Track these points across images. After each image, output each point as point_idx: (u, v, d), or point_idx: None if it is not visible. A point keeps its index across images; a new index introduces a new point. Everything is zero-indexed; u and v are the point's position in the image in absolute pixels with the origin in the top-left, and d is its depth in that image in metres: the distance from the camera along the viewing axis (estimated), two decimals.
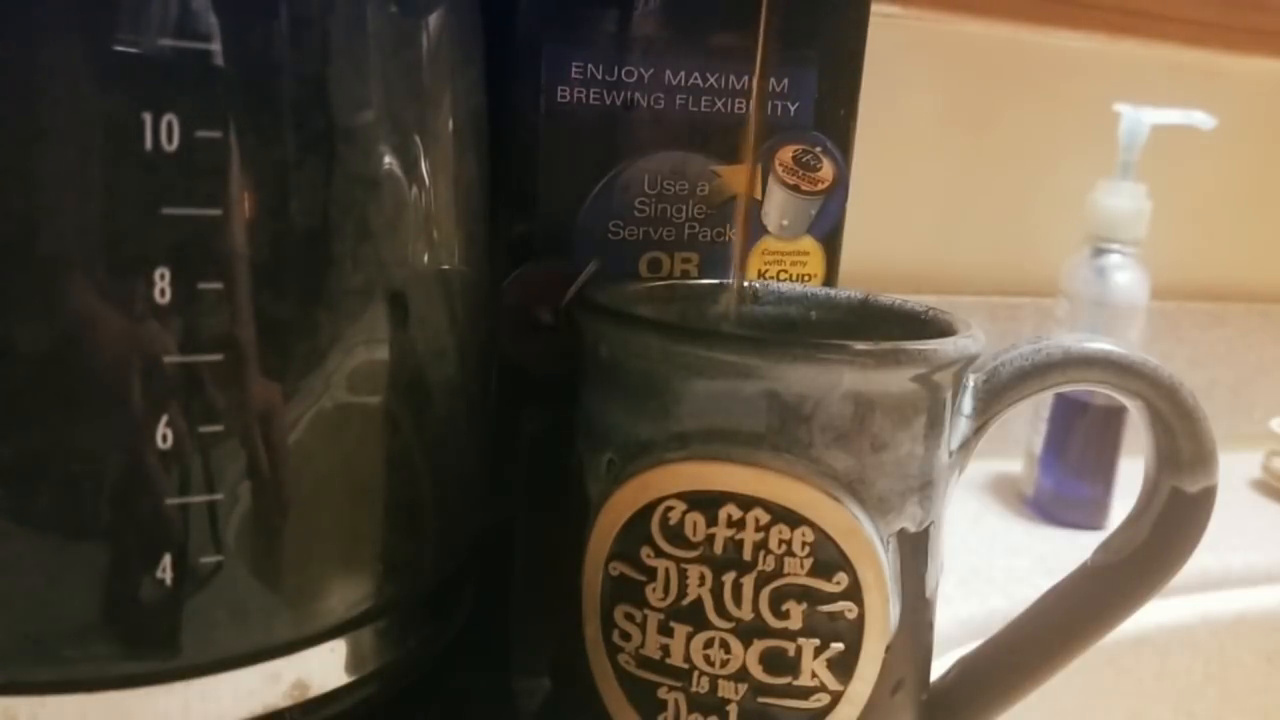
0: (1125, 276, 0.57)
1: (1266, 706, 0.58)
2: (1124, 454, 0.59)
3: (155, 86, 0.16)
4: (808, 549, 0.23)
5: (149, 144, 0.16)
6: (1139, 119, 0.57)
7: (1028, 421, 0.63)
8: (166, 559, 0.18)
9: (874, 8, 0.61)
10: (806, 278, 0.33)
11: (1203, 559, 0.57)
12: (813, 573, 0.23)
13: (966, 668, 0.28)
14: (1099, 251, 0.58)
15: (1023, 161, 0.66)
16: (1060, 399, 0.60)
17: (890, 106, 0.63)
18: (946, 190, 0.66)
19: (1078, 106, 0.64)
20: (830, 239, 0.33)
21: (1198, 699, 0.56)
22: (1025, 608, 0.28)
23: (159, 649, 0.19)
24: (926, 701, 0.27)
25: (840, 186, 0.32)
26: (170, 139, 0.16)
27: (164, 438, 0.17)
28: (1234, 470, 0.72)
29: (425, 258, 0.22)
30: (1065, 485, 0.60)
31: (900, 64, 0.62)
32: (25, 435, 0.17)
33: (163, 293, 0.17)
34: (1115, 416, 0.58)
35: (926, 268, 0.67)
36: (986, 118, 0.65)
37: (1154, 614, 0.54)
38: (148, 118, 0.16)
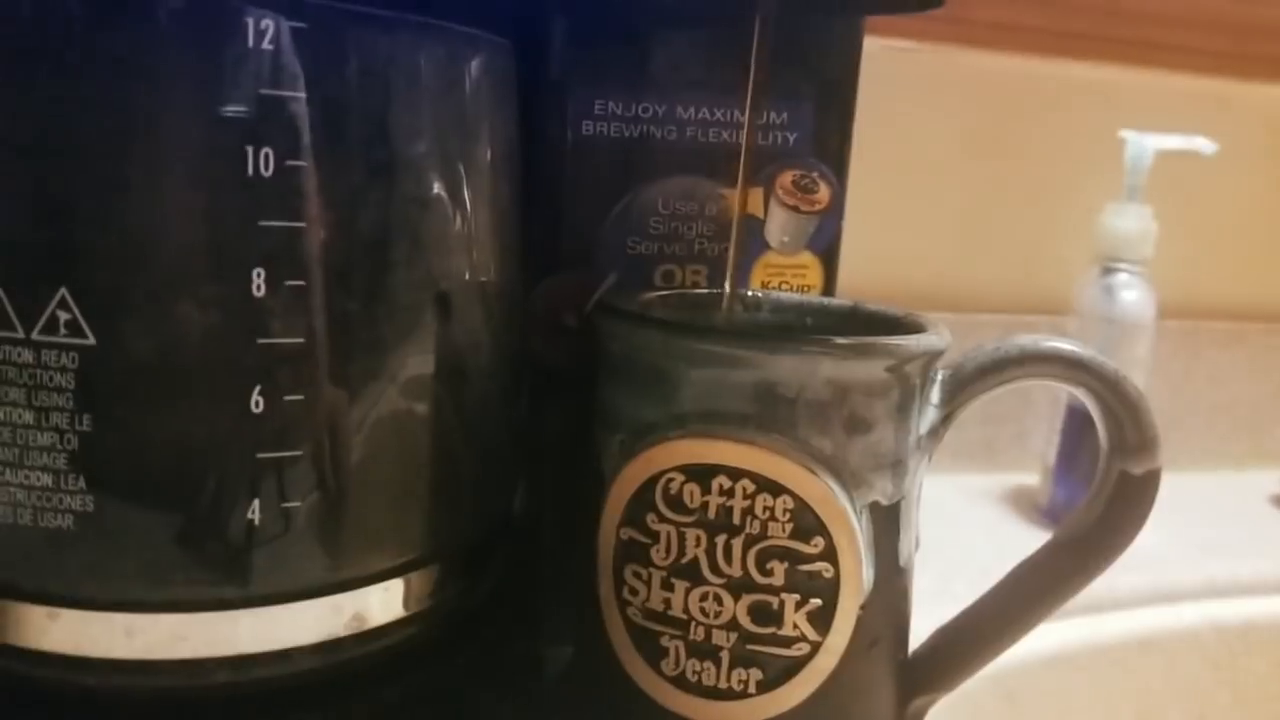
0: (1132, 295, 0.61)
1: None
2: None
3: (254, 126, 0.21)
4: (788, 515, 0.26)
5: (250, 171, 0.21)
6: (1143, 145, 0.60)
7: (1044, 436, 0.66)
8: (256, 503, 0.22)
9: (892, 42, 0.66)
10: (806, 288, 0.37)
11: (1209, 567, 0.60)
12: (793, 536, 0.27)
13: (944, 634, 0.32)
14: (1107, 271, 0.61)
15: (1037, 185, 0.70)
16: (1071, 414, 0.63)
17: (909, 134, 0.66)
18: (964, 213, 0.69)
19: (1088, 133, 0.67)
20: (828, 254, 0.37)
21: (1209, 703, 0.58)
22: (995, 584, 0.32)
23: (246, 578, 0.23)
24: (905, 662, 0.31)
25: (836, 207, 0.36)
26: (266, 167, 0.21)
27: (256, 404, 0.22)
28: (1254, 486, 0.74)
29: (466, 266, 0.26)
30: (1076, 495, 0.62)
31: (918, 94, 0.66)
32: (149, 401, 0.22)
33: (259, 288, 0.21)
34: None
35: (945, 287, 0.70)
36: (1001, 144, 0.69)
37: (1160, 618, 0.57)
38: (249, 150, 0.21)
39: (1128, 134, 0.61)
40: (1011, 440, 0.72)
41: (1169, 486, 0.76)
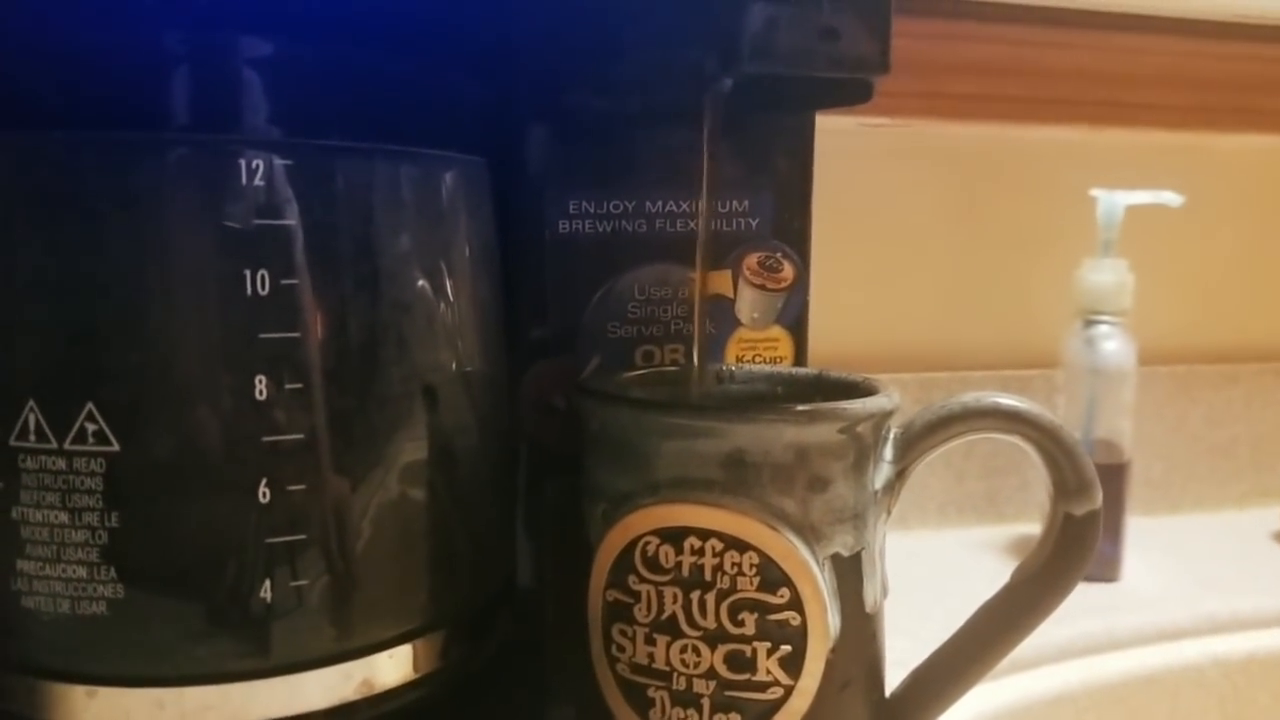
0: (1113, 345, 0.63)
1: None
2: (1133, 512, 0.64)
3: (252, 251, 0.24)
4: (755, 569, 0.29)
5: (249, 291, 0.24)
6: (1113, 201, 0.63)
7: (1042, 488, 0.67)
8: (267, 583, 0.25)
9: (869, 119, 0.69)
10: (778, 360, 0.39)
11: (1210, 604, 0.61)
12: (760, 588, 0.29)
13: (916, 675, 0.34)
14: (1089, 323, 0.64)
15: (1018, 246, 0.72)
16: None
17: (890, 206, 0.69)
18: (951, 277, 0.72)
19: (1062, 193, 0.70)
20: (796, 326, 0.39)
21: None
22: (961, 624, 0.34)
23: (262, 651, 0.26)
24: (882, 702, 0.33)
25: (800, 283, 0.39)
26: (263, 286, 0.24)
27: (264, 494, 0.25)
28: (1257, 523, 0.76)
29: (451, 359, 0.29)
30: None
31: (895, 167, 0.69)
32: (168, 498, 0.25)
33: (261, 392, 0.25)
34: (1116, 475, 0.63)
35: (940, 348, 0.72)
36: (980, 209, 0.71)
37: (1162, 656, 0.58)
38: (247, 272, 0.24)
39: (1098, 192, 0.63)
40: (1014, 491, 0.74)
41: (1171, 528, 0.77)
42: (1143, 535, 0.65)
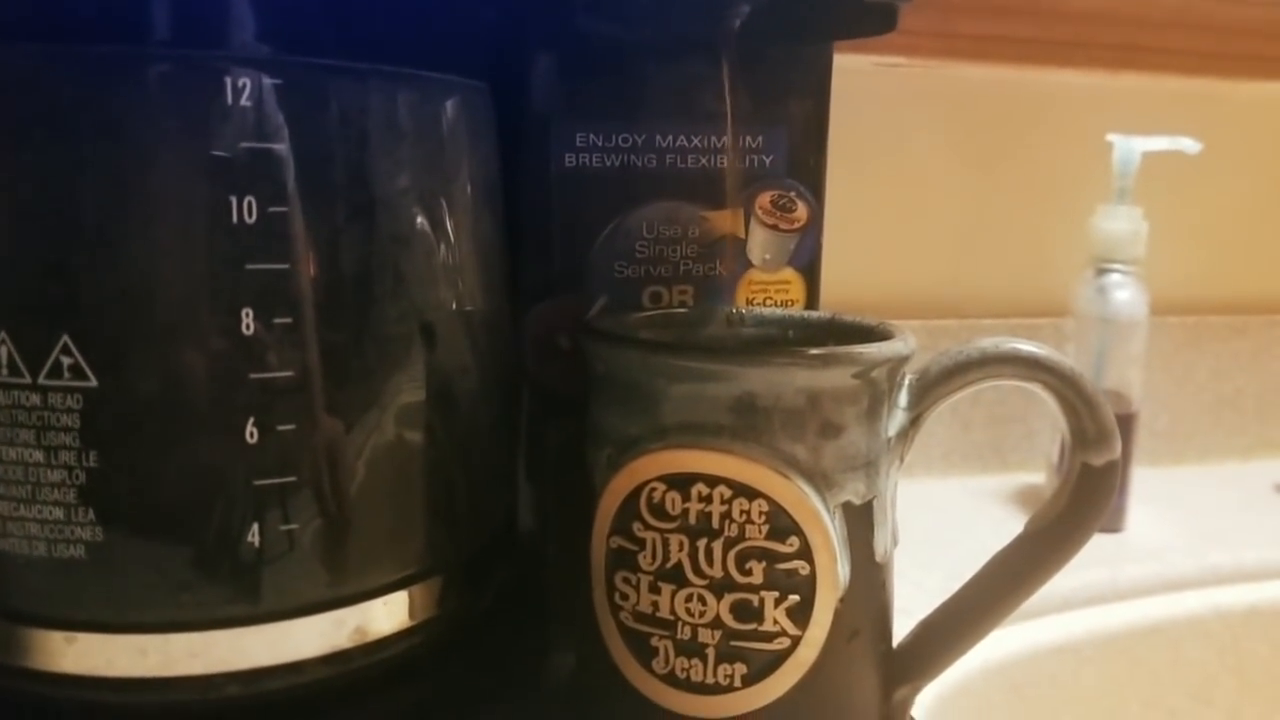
0: (1125, 294, 0.61)
1: None
2: (1138, 463, 0.63)
3: (239, 177, 0.23)
4: (764, 517, 0.28)
5: (235, 218, 0.23)
6: (1130, 147, 0.61)
7: (1049, 435, 0.67)
8: (255, 527, 0.24)
9: (882, 59, 0.67)
10: (789, 303, 0.38)
11: (1213, 556, 0.60)
12: (769, 536, 0.28)
13: (926, 625, 0.33)
14: (1101, 271, 0.62)
15: (1031, 191, 0.71)
16: None
17: (902, 148, 0.68)
18: (962, 222, 0.70)
19: (1078, 138, 0.68)
20: (809, 269, 0.38)
21: (1214, 687, 0.59)
22: (973, 574, 0.33)
23: (250, 598, 0.25)
24: (889, 653, 0.32)
25: (814, 224, 0.38)
26: (250, 214, 0.23)
27: (251, 434, 0.24)
28: (1260, 475, 0.75)
29: (450, 296, 0.28)
30: None
31: (909, 109, 0.67)
32: (150, 436, 0.23)
33: (248, 327, 0.23)
34: (1124, 425, 0.62)
35: (948, 294, 0.71)
36: (994, 153, 0.70)
37: (1164, 606, 0.58)
38: (234, 199, 0.23)
39: (1114, 137, 0.62)
40: (1019, 440, 0.73)
41: (1175, 480, 0.77)
42: (1147, 486, 0.65)
